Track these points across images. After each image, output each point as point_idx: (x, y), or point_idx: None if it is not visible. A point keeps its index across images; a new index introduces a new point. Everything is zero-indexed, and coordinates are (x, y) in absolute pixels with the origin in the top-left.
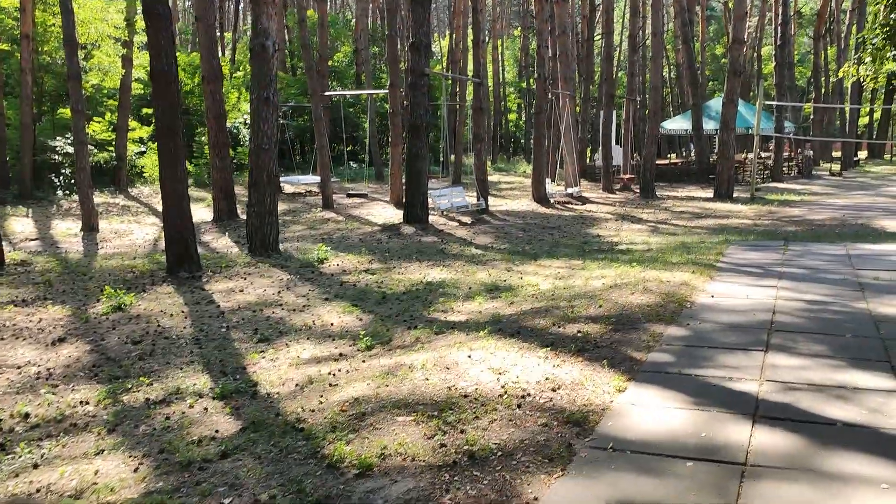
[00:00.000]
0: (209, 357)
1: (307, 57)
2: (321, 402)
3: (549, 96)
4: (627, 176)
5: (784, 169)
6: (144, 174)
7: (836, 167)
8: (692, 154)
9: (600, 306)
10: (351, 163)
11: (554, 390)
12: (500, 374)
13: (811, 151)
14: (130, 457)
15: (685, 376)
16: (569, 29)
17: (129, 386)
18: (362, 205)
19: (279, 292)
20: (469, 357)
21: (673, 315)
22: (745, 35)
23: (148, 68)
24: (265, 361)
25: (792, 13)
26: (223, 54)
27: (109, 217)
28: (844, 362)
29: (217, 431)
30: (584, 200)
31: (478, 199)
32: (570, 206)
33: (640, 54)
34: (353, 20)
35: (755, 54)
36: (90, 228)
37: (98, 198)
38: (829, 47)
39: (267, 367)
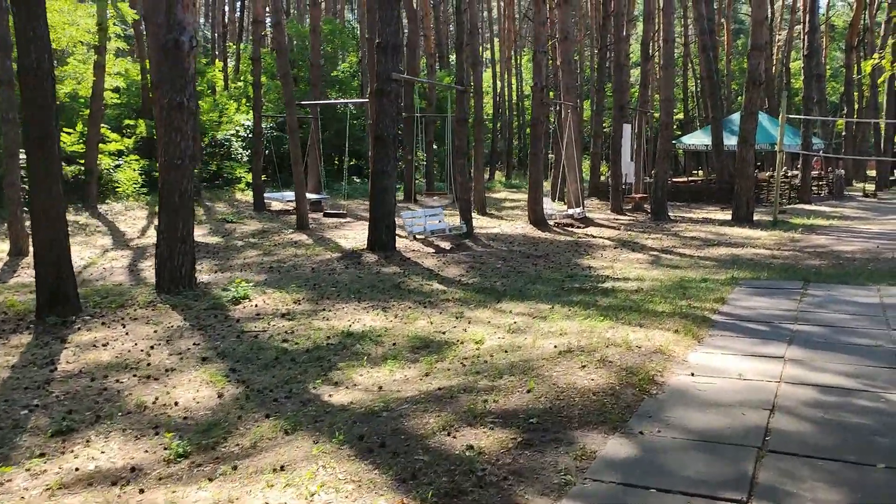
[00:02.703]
0: None
1: (281, 62)
2: None
3: (553, 107)
4: (639, 195)
5: (813, 189)
6: (118, 190)
7: (871, 187)
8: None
9: (530, 391)
10: (355, 178)
11: None
12: None
13: (843, 170)
14: None
15: None
16: (572, 35)
17: None
18: (341, 225)
19: (152, 347)
20: None
21: (625, 412)
22: (766, 41)
23: (125, 75)
24: (20, 480)
25: (822, 23)
26: (225, 63)
27: None
28: None
29: None
30: (588, 222)
31: (461, 222)
32: (570, 228)
33: (652, 63)
34: (358, 28)
35: (784, 68)
36: (17, 252)
37: None
38: (862, 60)
39: (9, 492)
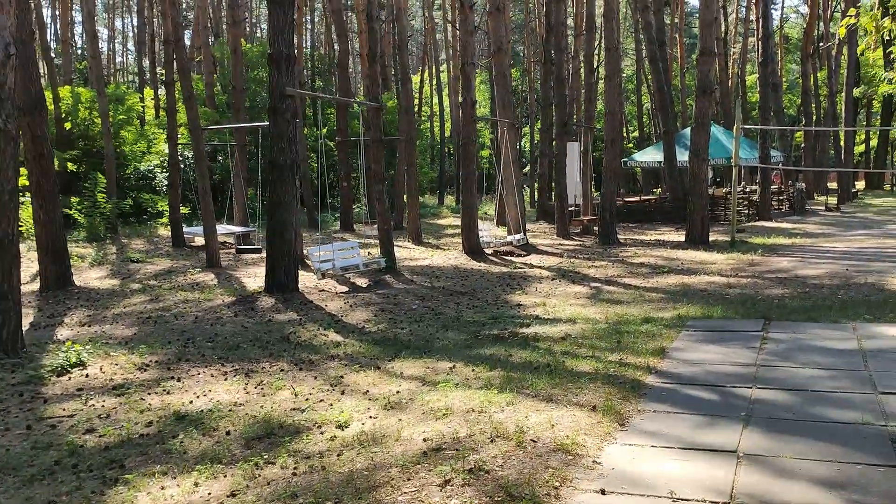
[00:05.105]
0: None
1: (185, 84)
2: None
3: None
4: (587, 217)
5: (773, 204)
6: (21, 230)
7: (833, 200)
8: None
9: None
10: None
11: None
12: None
13: (803, 184)
14: None
15: None
16: (506, 46)
17: None
18: (258, 262)
19: None
20: None
21: None
22: (716, 51)
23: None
24: None
25: (777, 33)
26: (155, 90)
27: None
28: None
29: None
30: (530, 249)
31: (380, 255)
32: (508, 257)
33: (598, 76)
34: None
35: (739, 80)
36: None
37: None
38: (818, 70)
39: None
